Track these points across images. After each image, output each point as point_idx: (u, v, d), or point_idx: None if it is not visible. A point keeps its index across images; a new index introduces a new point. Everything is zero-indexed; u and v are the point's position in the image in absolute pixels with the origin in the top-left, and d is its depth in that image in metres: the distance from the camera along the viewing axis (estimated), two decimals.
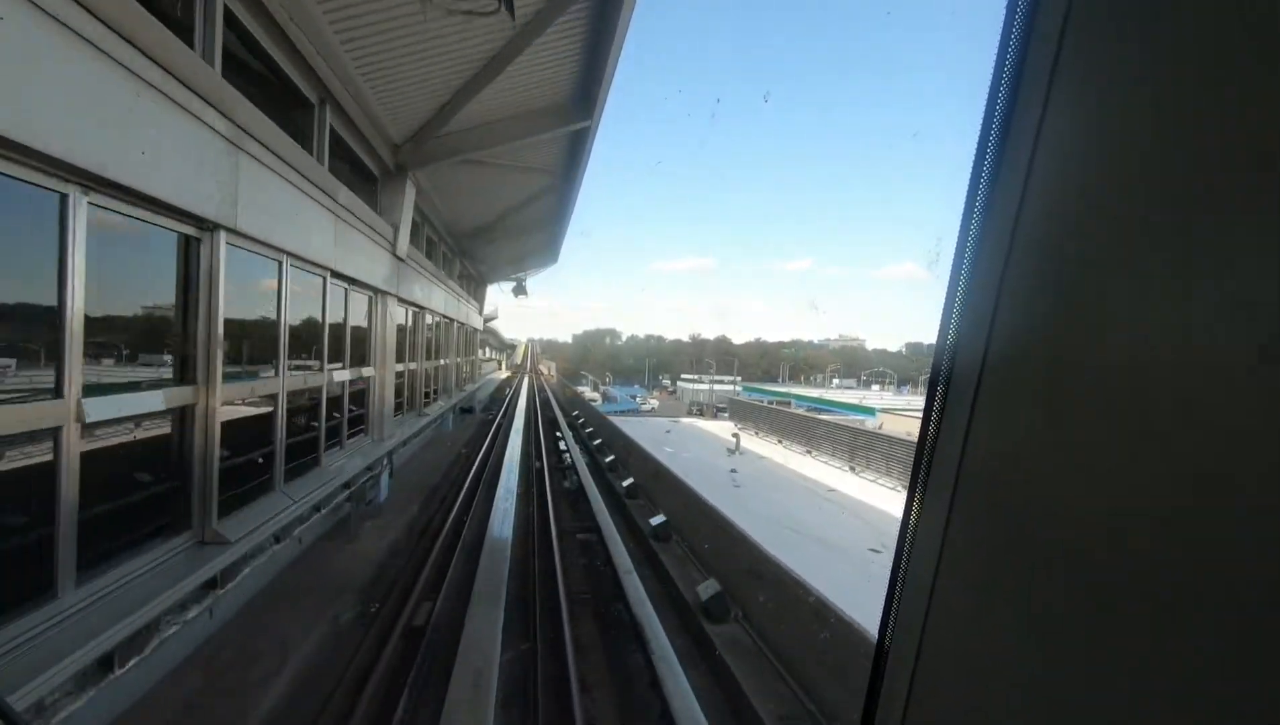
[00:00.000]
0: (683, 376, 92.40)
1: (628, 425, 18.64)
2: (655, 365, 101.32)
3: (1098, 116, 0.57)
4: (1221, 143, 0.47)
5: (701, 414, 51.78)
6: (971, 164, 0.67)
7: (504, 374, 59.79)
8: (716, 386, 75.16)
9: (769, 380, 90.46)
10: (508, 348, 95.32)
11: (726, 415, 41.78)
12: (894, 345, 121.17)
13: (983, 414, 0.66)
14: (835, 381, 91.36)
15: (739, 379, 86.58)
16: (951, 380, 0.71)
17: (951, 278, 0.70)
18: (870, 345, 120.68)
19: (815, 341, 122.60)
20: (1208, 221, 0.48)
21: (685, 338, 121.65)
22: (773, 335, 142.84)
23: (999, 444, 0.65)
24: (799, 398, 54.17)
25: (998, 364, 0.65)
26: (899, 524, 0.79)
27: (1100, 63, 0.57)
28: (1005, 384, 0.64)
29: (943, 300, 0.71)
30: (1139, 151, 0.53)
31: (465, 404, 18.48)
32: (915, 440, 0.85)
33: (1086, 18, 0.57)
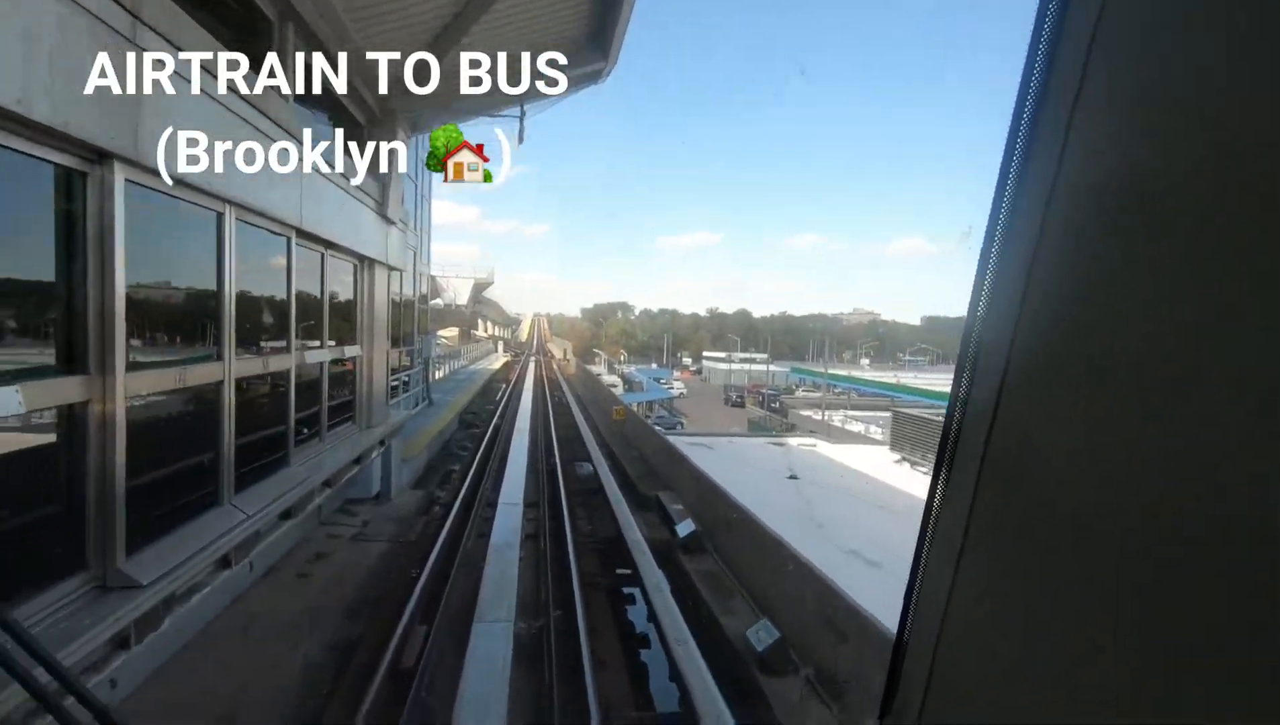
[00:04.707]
0: (706, 354, 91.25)
1: (723, 469, 10.99)
2: (671, 342, 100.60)
3: (1129, 112, 0.63)
4: (1253, 141, 0.51)
5: (740, 403, 44.75)
6: (1002, 152, 0.73)
7: (499, 362, 44.07)
8: (752, 366, 67.98)
9: (796, 358, 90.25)
10: (512, 323, 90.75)
11: (861, 426, 30.54)
12: (912, 319, 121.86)
13: (1008, 407, 0.72)
14: (865, 361, 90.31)
15: (768, 356, 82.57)
16: (977, 373, 0.78)
17: (979, 270, 0.77)
18: (885, 318, 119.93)
19: (829, 314, 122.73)
20: (1241, 217, 0.51)
21: (701, 311, 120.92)
22: (787, 308, 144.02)
23: (1023, 438, 0.72)
24: (867, 385, 44.14)
25: (1024, 358, 0.71)
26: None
27: (1131, 60, 0.62)
28: (1031, 378, 0.71)
29: (970, 293, 0.79)
30: (1170, 147, 0.58)
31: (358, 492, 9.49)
32: None
33: (1119, 15, 0.62)
